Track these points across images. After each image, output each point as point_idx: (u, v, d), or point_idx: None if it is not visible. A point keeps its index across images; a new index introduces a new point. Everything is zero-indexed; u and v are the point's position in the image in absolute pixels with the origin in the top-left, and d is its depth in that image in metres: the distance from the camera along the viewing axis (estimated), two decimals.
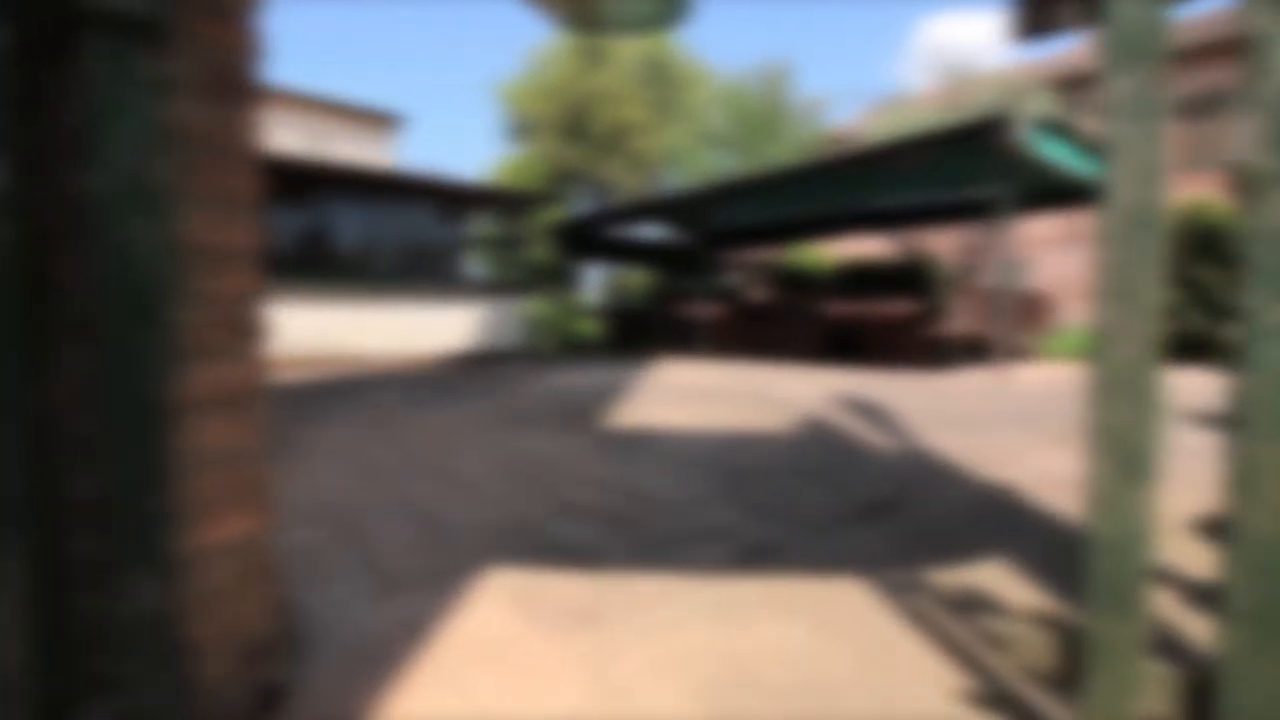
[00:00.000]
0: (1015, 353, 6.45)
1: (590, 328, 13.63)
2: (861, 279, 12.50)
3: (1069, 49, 13.98)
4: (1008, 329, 8.39)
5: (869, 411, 4.44)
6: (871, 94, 23.35)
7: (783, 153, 14.87)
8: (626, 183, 15.52)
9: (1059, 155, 6.93)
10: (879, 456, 2.97)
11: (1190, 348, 8.55)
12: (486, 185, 10.38)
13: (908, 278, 11.99)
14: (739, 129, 14.95)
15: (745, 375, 7.19)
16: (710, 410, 4.38)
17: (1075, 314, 12.29)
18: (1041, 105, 11.42)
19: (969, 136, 6.35)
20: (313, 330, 8.38)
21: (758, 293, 16.47)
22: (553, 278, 13.04)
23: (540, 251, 12.67)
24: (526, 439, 3.35)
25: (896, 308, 7.57)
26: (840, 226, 11.93)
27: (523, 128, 16.26)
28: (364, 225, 9.26)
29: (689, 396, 5.24)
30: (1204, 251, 8.42)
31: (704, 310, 9.87)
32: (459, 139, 50.67)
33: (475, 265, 11.33)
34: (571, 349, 12.94)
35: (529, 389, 5.82)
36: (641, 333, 12.02)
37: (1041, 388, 6.13)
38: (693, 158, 15.28)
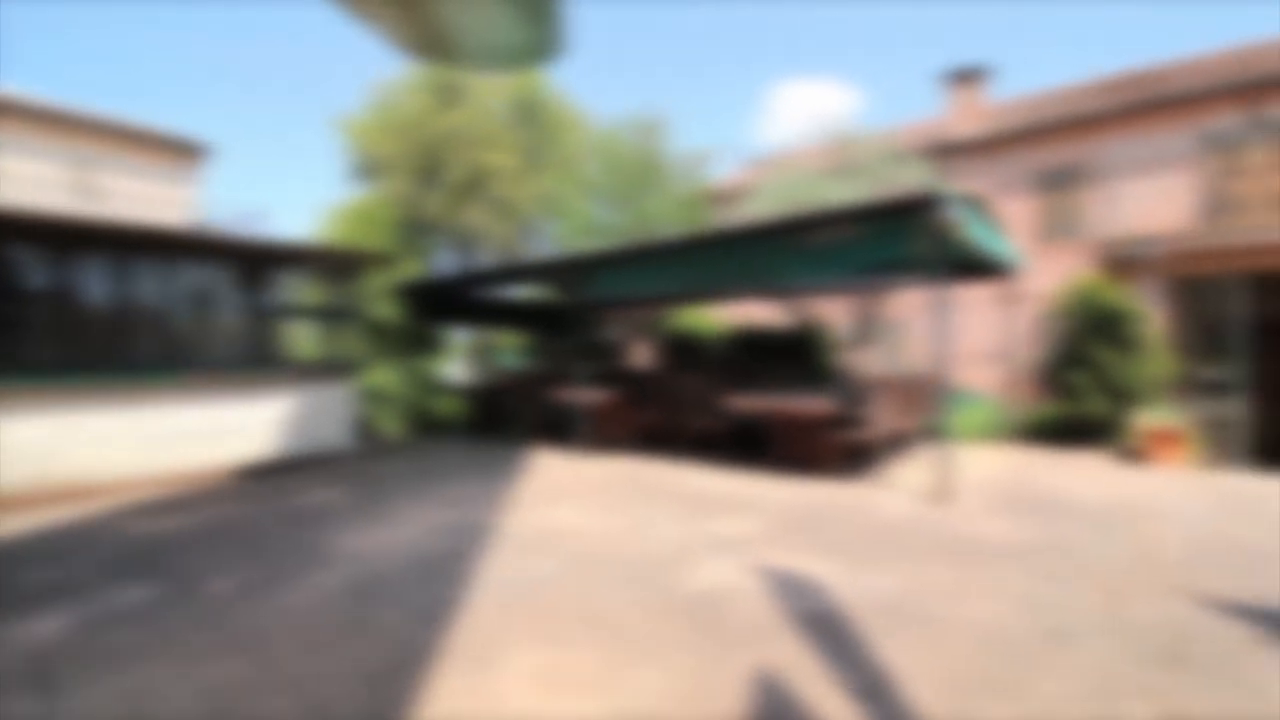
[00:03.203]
0: (935, 438, 5.55)
1: (451, 406, 11.49)
2: (754, 347, 11.58)
3: (938, 115, 14.31)
4: (924, 415, 7.62)
5: (844, 649, 2.98)
6: (746, 151, 23.44)
7: (663, 207, 13.82)
8: (494, 232, 13.71)
9: (979, 234, 6.17)
10: None
11: (1092, 431, 8.19)
12: (305, 242, 8.15)
13: (801, 345, 11.23)
14: (616, 180, 13.73)
15: (644, 507, 5.60)
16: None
17: (960, 379, 12.06)
18: (920, 172, 11.21)
19: (899, 211, 5.33)
20: (25, 446, 5.69)
21: (641, 354, 15.18)
22: (407, 345, 10.82)
23: (388, 314, 10.46)
24: None
25: (811, 406, 6.38)
26: (730, 291, 10.92)
27: (370, 168, 14.00)
28: (121, 294, 6.71)
29: (570, 610, 3.54)
30: (1099, 333, 8.14)
31: (587, 395, 8.23)
32: (291, 177, 45.60)
33: (295, 341, 8.93)
34: (427, 432, 10.73)
35: (309, 575, 3.80)
36: (512, 414, 10.13)
37: (998, 517, 5.09)
38: (569, 209, 13.81)
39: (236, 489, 6.32)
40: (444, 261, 13.94)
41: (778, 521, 4.87)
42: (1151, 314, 8.69)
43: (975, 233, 6.07)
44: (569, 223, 13.73)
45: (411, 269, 11.18)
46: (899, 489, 5.97)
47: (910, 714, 2.24)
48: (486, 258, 14.18)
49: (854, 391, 6.46)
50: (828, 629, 2.96)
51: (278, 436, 7.46)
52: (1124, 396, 7.92)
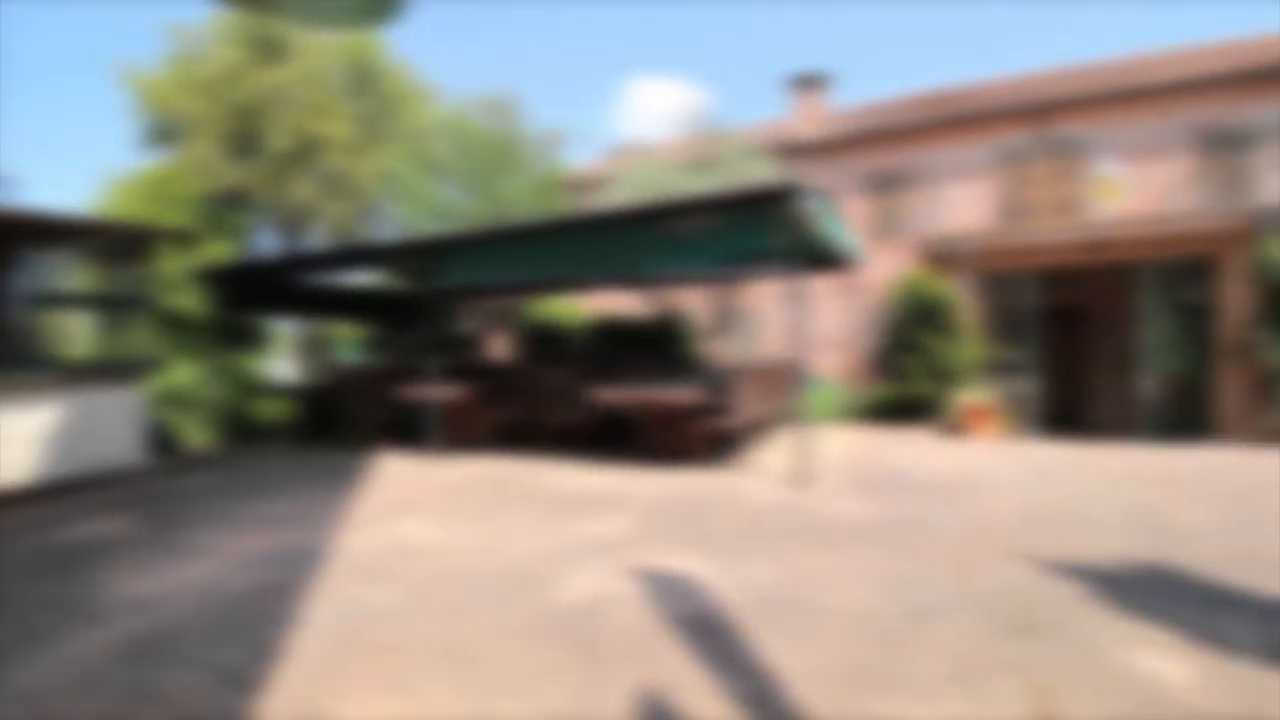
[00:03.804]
0: (792, 422, 5.80)
1: (277, 409, 10.09)
2: (616, 337, 11.45)
3: (783, 117, 15.10)
4: (782, 401, 7.94)
5: (727, 653, 2.83)
6: (600, 141, 23.33)
7: (518, 191, 13.22)
8: (326, 211, 12.28)
9: (830, 227, 6.45)
10: None
11: (920, 409, 9.04)
12: (73, 216, 6.60)
13: (662, 335, 11.30)
14: (467, 161, 12.87)
15: (506, 512, 5.18)
16: None
17: (809, 365, 12.88)
18: (771, 169, 11.73)
19: (761, 202, 5.36)
20: None
21: (499, 347, 14.47)
22: (216, 340, 9.28)
23: (190, 304, 8.88)
24: None
25: (678, 396, 6.33)
26: (592, 279, 10.68)
27: (168, 131, 11.90)
28: None
29: (422, 645, 3.07)
30: (923, 321, 8.98)
31: (439, 392, 7.55)
32: (61, 140, 38.26)
33: (66, 338, 7.27)
34: (246, 440, 9.32)
35: (70, 636, 2.97)
36: (352, 416, 9.09)
37: (853, 496, 5.33)
38: (415, 188, 12.71)
39: None
40: (265, 243, 12.26)
41: (648, 517, 4.71)
42: (966, 303, 9.80)
43: (827, 226, 6.35)
44: (415, 204, 12.66)
45: (221, 250, 9.62)
46: (763, 474, 6.10)
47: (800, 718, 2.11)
48: (318, 240, 12.69)
49: (718, 380, 6.51)
50: (708, 632, 2.79)
51: (38, 454, 5.98)
52: (945, 377, 8.84)
